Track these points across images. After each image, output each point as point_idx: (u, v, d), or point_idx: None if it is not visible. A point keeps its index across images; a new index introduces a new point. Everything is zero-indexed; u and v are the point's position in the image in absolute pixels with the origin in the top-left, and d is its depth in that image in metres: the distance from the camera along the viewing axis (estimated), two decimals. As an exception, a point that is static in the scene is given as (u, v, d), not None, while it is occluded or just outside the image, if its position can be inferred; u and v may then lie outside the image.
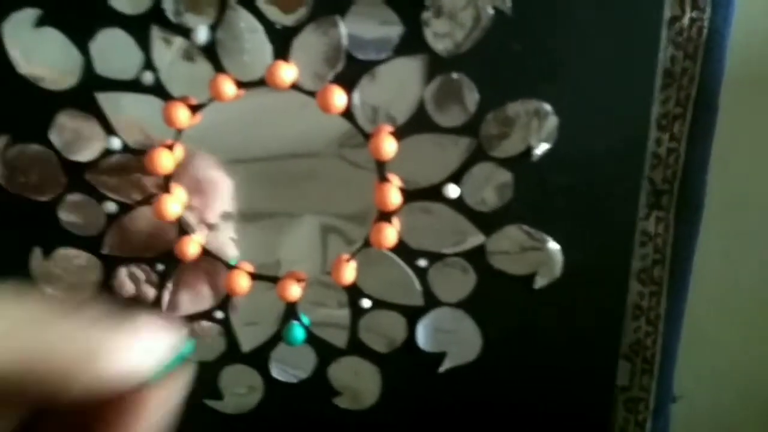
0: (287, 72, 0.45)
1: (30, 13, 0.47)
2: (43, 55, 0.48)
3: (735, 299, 0.70)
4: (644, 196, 0.55)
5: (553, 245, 0.49)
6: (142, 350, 0.40)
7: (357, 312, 0.52)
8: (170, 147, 0.48)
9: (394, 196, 0.47)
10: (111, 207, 0.50)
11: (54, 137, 0.49)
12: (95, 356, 0.35)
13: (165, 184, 0.49)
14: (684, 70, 0.53)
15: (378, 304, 0.51)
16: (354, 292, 0.51)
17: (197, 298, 0.48)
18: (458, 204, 0.48)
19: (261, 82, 0.46)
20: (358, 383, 0.54)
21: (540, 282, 0.50)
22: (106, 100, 0.48)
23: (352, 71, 0.46)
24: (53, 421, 0.40)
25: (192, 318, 0.52)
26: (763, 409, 0.74)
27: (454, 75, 0.45)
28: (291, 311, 0.52)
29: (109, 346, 0.36)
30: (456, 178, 0.48)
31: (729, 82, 0.53)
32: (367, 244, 0.49)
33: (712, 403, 0.74)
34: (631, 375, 0.61)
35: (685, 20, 0.51)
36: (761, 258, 0.69)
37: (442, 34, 0.45)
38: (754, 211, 0.67)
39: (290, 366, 0.54)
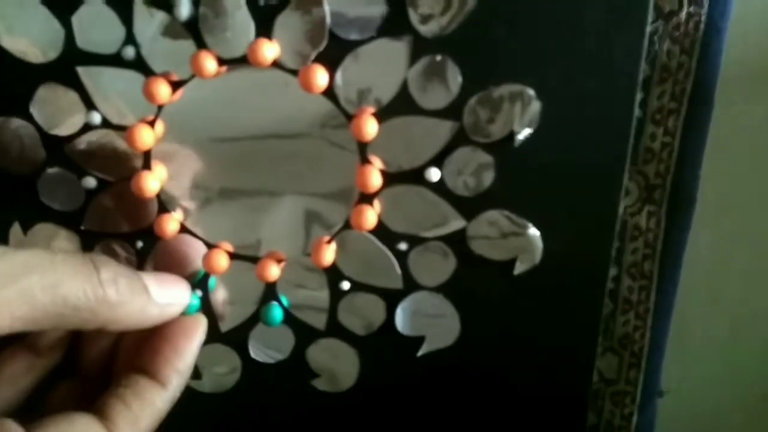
0: (269, 50, 0.45)
1: (12, -15, 0.46)
2: (25, 28, 0.47)
3: (725, 294, 0.70)
4: (636, 190, 0.56)
5: (534, 231, 0.49)
6: (167, 293, 0.45)
7: (336, 294, 0.52)
8: (151, 123, 0.48)
9: (375, 179, 0.47)
10: (90, 182, 0.50)
11: (35, 111, 0.49)
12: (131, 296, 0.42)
13: (145, 160, 0.49)
14: (680, 65, 0.53)
15: (357, 286, 0.51)
16: (333, 274, 0.51)
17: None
18: (439, 188, 0.48)
19: (243, 60, 0.46)
20: (337, 365, 0.54)
21: (520, 268, 0.49)
22: (87, 74, 0.48)
23: (335, 51, 0.45)
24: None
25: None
26: (750, 405, 0.74)
27: (438, 57, 0.45)
28: (270, 292, 0.52)
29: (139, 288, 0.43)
30: (438, 161, 0.47)
31: (725, 77, 0.53)
32: (347, 226, 0.49)
33: (698, 398, 0.74)
34: (618, 368, 0.61)
35: (683, 15, 0.51)
36: (752, 254, 0.69)
37: (427, 16, 0.44)
38: (747, 207, 0.67)
39: (268, 347, 0.54)
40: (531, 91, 0.45)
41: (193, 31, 0.46)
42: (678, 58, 0.53)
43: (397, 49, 0.45)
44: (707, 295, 0.70)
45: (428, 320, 0.52)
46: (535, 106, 0.46)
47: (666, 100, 0.54)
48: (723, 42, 0.52)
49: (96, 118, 0.48)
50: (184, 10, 0.46)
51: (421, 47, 0.45)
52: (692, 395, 0.73)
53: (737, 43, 0.55)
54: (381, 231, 0.49)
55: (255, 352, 0.54)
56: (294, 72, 0.46)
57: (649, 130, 0.55)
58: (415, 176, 0.48)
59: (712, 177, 0.57)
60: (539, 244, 0.49)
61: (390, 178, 0.48)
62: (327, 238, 0.50)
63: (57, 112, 0.49)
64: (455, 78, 0.45)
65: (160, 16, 0.46)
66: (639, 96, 0.53)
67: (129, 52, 0.47)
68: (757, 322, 0.71)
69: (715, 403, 0.75)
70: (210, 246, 0.51)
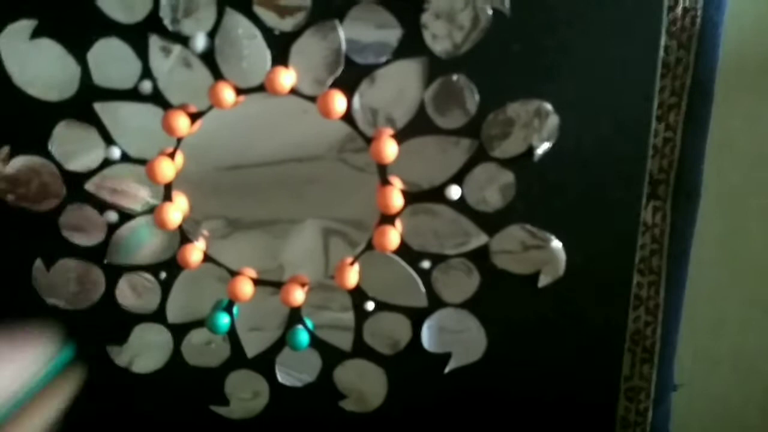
0: (286, 77, 0.45)
1: (26, 25, 0.46)
2: (41, 66, 0.47)
3: (733, 287, 0.71)
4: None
5: (556, 244, 0.49)
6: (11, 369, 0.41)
7: (361, 315, 0.52)
8: (171, 155, 0.48)
9: (396, 199, 0.47)
10: (112, 216, 0.50)
11: (53, 148, 0.49)
12: None
13: (166, 192, 0.49)
14: (678, 60, 0.53)
15: (382, 306, 0.51)
16: (358, 294, 0.51)
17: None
18: (460, 205, 0.48)
19: (260, 88, 0.46)
20: (364, 386, 0.54)
21: (544, 280, 0.50)
22: (104, 109, 0.48)
23: (351, 75, 0.46)
24: None
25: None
26: (762, 396, 0.75)
27: (454, 77, 0.45)
28: (295, 316, 0.52)
29: None
30: (458, 179, 0.48)
31: (723, 70, 0.53)
32: (370, 246, 0.49)
33: (712, 391, 0.74)
34: (632, 364, 0.61)
35: (679, 10, 0.51)
36: (757, 246, 0.69)
37: (441, 36, 0.45)
38: (750, 199, 0.67)
39: (295, 370, 0.54)
40: (548, 106, 0.46)
41: (210, 62, 0.46)
42: (676, 54, 0.53)
43: (412, 70, 0.46)
44: (716, 287, 0.70)
45: (454, 336, 0.52)
46: (553, 120, 0.46)
47: (666, 96, 0.54)
48: (720, 35, 0.52)
49: (115, 153, 0.48)
50: (200, 42, 0.46)
51: (436, 67, 0.45)
52: (706, 388, 0.74)
53: (734, 36, 0.55)
54: (403, 250, 0.49)
55: (282, 377, 0.54)
56: (312, 98, 0.46)
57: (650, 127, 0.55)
58: (436, 195, 0.48)
59: (716, 170, 0.57)
60: (562, 256, 0.49)
61: (411, 198, 0.48)
62: (350, 259, 0.50)
63: (76, 148, 0.49)
64: (472, 96, 0.46)
65: (176, 50, 0.46)
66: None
67: (146, 86, 0.47)
68: (765, 313, 0.71)
69: (728, 395, 0.75)
70: (233, 273, 0.51)
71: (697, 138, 0.55)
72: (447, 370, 0.53)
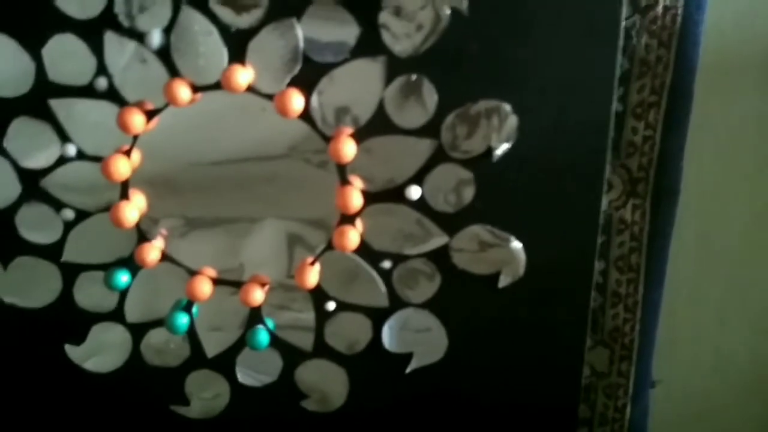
0: (243, 75, 0.45)
1: (-22, 20, 0.46)
2: (-6, 63, 0.47)
3: (711, 285, 0.70)
4: (620, 184, 0.55)
5: (516, 244, 0.48)
6: None
7: (322, 315, 0.51)
8: (127, 153, 0.47)
9: (355, 199, 0.47)
10: (68, 214, 0.49)
11: (8, 145, 0.48)
12: None
13: (122, 190, 0.48)
14: (658, 58, 0.52)
15: (343, 306, 0.51)
16: (318, 295, 0.51)
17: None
18: (421, 205, 0.48)
19: (217, 86, 0.46)
20: (326, 386, 0.54)
21: (504, 281, 0.49)
22: (59, 106, 0.47)
23: (309, 74, 0.45)
24: None
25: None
26: (740, 392, 0.75)
27: (414, 76, 0.45)
28: (255, 316, 0.52)
29: None
30: (418, 179, 0.47)
31: (703, 69, 0.53)
32: (330, 246, 0.49)
33: (690, 388, 0.74)
34: (610, 361, 0.61)
35: (659, 8, 0.51)
36: (736, 243, 0.69)
37: (400, 36, 0.44)
38: (729, 197, 0.67)
39: (256, 370, 0.54)
40: (507, 106, 0.45)
41: (166, 59, 0.45)
42: (656, 52, 0.52)
43: (372, 69, 0.45)
44: (694, 285, 0.70)
45: (415, 337, 0.51)
46: (512, 121, 0.46)
47: (646, 94, 0.54)
48: (700, 34, 0.52)
49: (71, 150, 0.48)
50: (155, 38, 0.45)
51: (396, 67, 0.45)
52: (684, 384, 0.74)
53: (714, 35, 0.55)
54: (364, 250, 0.49)
55: (243, 377, 0.53)
56: (269, 96, 0.46)
57: (630, 124, 0.55)
58: (396, 195, 0.48)
59: (695, 168, 0.56)
60: (522, 256, 0.49)
61: (371, 198, 0.48)
62: (310, 259, 0.50)
63: (31, 145, 0.48)
64: (431, 96, 0.45)
65: (131, 46, 0.45)
66: (619, 91, 0.53)
67: (101, 82, 0.46)
68: (743, 310, 0.71)
69: (706, 391, 0.75)
70: (192, 273, 0.50)
71: (676, 136, 0.55)
72: (408, 370, 0.52)
